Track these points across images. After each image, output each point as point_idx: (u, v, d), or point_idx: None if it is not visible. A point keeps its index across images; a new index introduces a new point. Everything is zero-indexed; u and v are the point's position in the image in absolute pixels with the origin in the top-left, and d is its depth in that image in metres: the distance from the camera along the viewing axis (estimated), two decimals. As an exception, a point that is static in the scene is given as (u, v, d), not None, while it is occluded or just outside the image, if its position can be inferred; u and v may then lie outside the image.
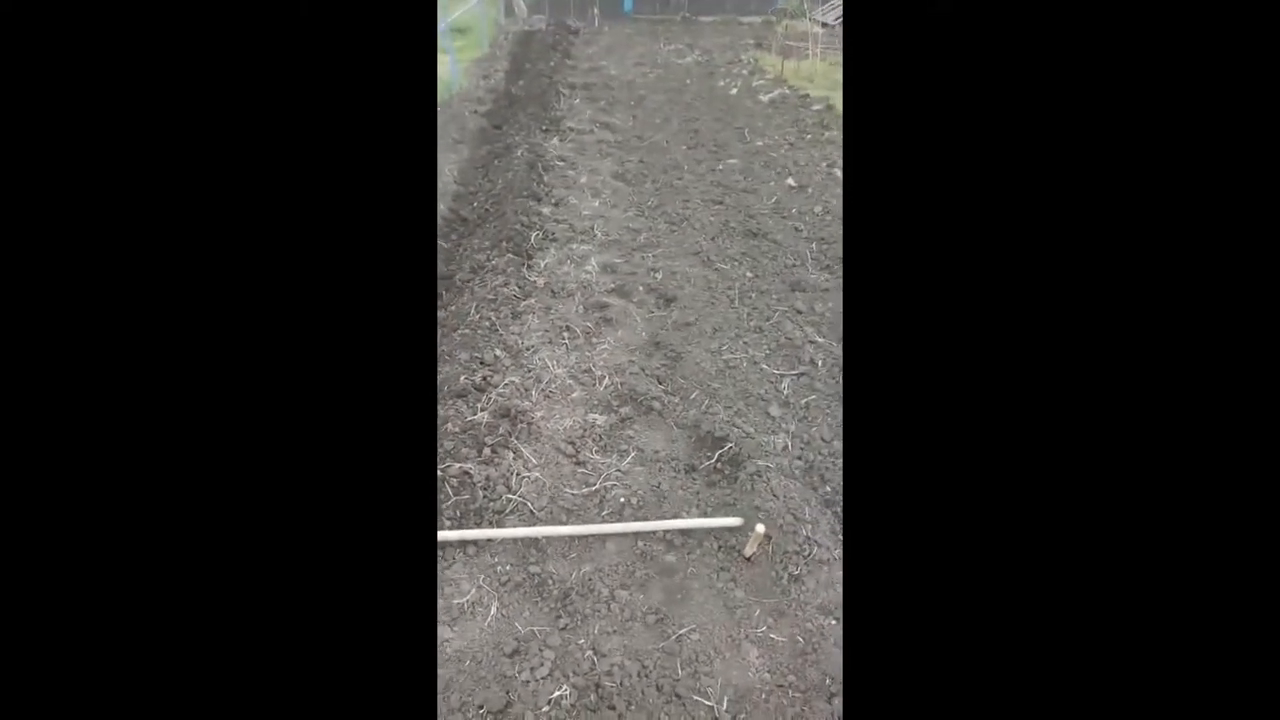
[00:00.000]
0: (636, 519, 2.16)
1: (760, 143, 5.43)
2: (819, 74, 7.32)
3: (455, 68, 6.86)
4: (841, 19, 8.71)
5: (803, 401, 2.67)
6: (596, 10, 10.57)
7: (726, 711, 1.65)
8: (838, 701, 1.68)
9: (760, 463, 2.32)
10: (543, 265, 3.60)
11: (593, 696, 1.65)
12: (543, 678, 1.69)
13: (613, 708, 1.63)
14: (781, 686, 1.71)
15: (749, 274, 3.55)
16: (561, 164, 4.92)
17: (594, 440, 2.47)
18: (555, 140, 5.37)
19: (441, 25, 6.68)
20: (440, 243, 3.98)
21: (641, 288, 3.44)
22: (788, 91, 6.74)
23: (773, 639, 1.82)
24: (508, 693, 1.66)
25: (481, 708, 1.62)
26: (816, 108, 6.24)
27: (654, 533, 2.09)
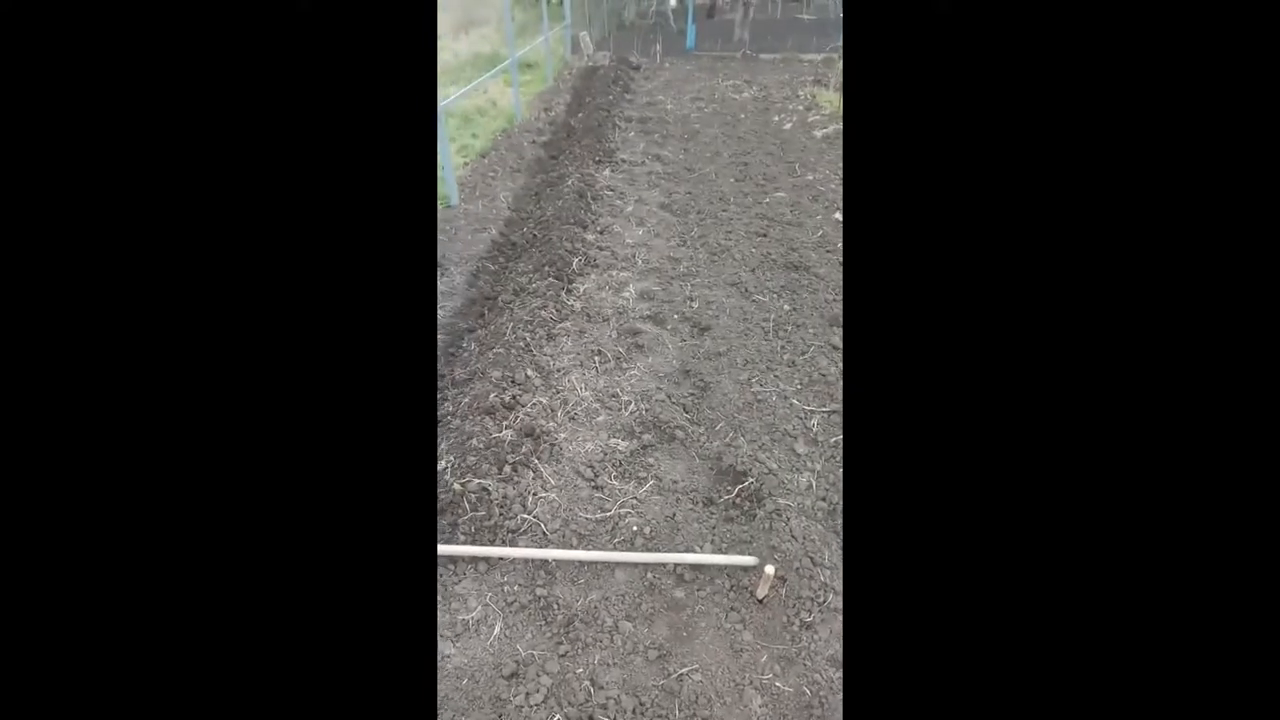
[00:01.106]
0: (648, 549, 2.12)
1: (810, 177, 5.40)
2: (877, 110, 7.23)
3: (518, 100, 7.20)
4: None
5: (831, 440, 2.58)
6: (659, 47, 10.89)
7: (722, 761, 1.57)
8: (843, 763, 1.57)
9: (781, 501, 2.24)
10: (582, 290, 3.66)
11: (584, 729, 1.61)
12: (536, 704, 1.67)
13: (603, 743, 1.59)
14: (783, 740, 1.62)
15: (786, 307, 3.50)
16: (610, 193, 5.04)
17: (614, 465, 2.46)
18: (607, 171, 5.51)
19: (510, 59, 7.04)
20: (488, 264, 4.13)
21: (676, 316, 3.44)
22: (842, 127, 6.70)
23: (778, 688, 1.74)
24: (500, 716, 1.64)
25: (472, 728, 1.61)
26: (872, 143, 6.15)
27: (664, 565, 2.05)
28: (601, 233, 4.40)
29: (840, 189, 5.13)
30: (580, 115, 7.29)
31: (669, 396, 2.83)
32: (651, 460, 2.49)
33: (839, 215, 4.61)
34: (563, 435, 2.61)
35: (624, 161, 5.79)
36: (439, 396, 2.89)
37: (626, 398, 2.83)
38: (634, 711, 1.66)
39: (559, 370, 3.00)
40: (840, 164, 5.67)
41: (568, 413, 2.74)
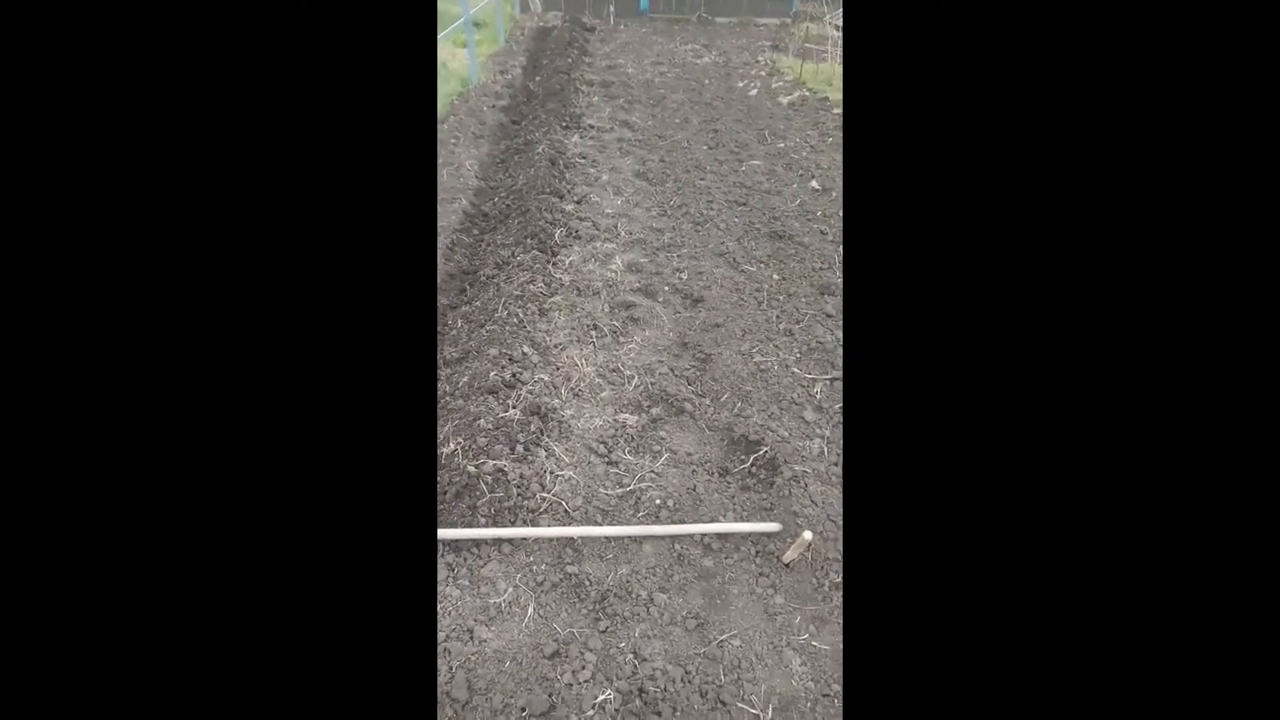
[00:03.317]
0: (673, 521, 2.13)
1: (781, 144, 5.41)
2: (838, 77, 7.29)
3: (474, 62, 6.83)
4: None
5: (837, 406, 2.65)
6: (612, 8, 10.53)
7: (772, 720, 1.63)
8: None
9: (797, 468, 2.29)
10: (568, 263, 3.57)
11: (637, 701, 1.62)
12: (585, 681, 1.66)
13: (658, 714, 1.61)
14: (827, 695, 1.68)
15: (776, 276, 3.52)
16: (583, 161, 4.89)
17: (625, 440, 2.45)
18: (576, 137, 5.34)
19: (464, 17, 6.65)
20: (462, 237, 3.96)
21: (667, 287, 3.41)
22: (807, 94, 6.72)
23: (815, 646, 1.80)
24: (550, 695, 1.63)
25: (524, 710, 1.59)
26: (837, 111, 6.21)
27: (690, 536, 2.07)
28: (579, 202, 4.28)
29: (812, 157, 5.17)
30: (539, 78, 6.99)
31: (671, 369, 2.82)
32: (663, 434, 2.49)
33: (815, 184, 4.65)
34: (569, 412, 2.57)
35: (592, 127, 5.62)
36: (433, 376, 2.77)
37: (629, 372, 2.80)
38: (682, 680, 1.69)
39: (556, 346, 2.93)
40: (809, 132, 5.70)
41: (571, 389, 2.69)
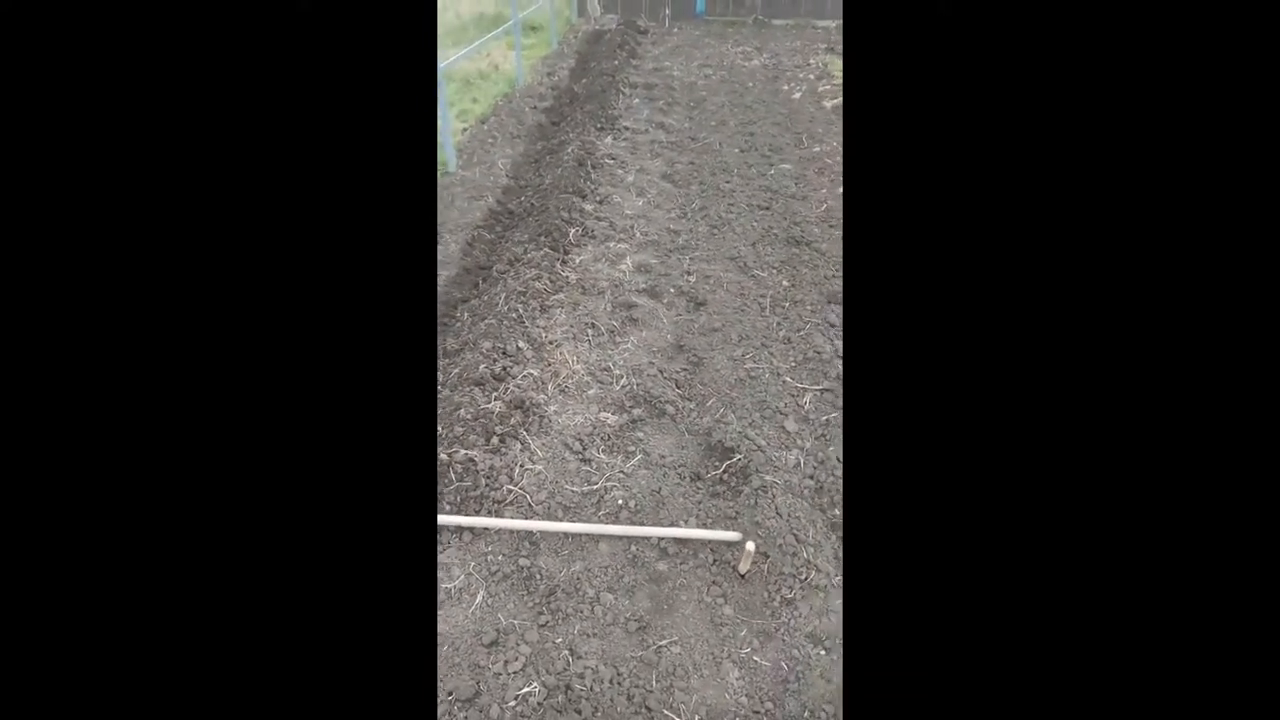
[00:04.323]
0: (633, 522, 2.12)
1: (818, 148, 5.26)
2: (890, 80, 7.01)
3: (521, 64, 7.01)
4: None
5: (823, 418, 2.56)
6: (668, 11, 10.55)
7: (696, 731, 1.59)
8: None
9: (768, 478, 2.23)
10: (578, 261, 3.61)
11: (561, 697, 1.63)
12: (514, 672, 1.68)
13: (579, 711, 1.60)
14: (758, 713, 1.63)
15: (785, 282, 3.44)
16: (611, 162, 4.93)
17: (602, 439, 2.45)
18: (609, 139, 5.39)
19: (513, 20, 6.84)
20: (484, 233, 4.07)
21: (672, 290, 3.39)
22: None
23: (756, 662, 1.75)
24: (478, 683, 1.66)
25: (450, 694, 1.63)
26: (882, 115, 5.98)
27: (648, 539, 2.05)
28: (600, 203, 4.32)
29: (847, 162, 5.01)
30: (584, 81, 7.09)
31: (661, 371, 2.80)
32: (640, 434, 2.48)
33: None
34: (553, 408, 2.60)
35: (627, 129, 5.65)
36: (430, 366, 2.87)
37: (618, 371, 2.80)
38: (611, 681, 1.68)
39: (551, 343, 2.97)
40: (848, 136, 5.52)
41: (558, 385, 2.72)
